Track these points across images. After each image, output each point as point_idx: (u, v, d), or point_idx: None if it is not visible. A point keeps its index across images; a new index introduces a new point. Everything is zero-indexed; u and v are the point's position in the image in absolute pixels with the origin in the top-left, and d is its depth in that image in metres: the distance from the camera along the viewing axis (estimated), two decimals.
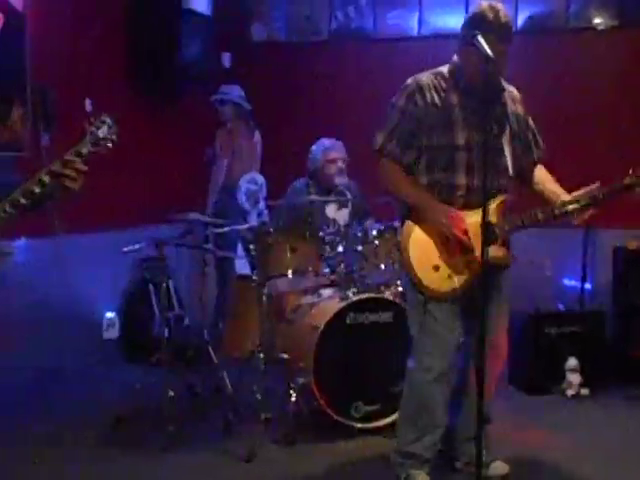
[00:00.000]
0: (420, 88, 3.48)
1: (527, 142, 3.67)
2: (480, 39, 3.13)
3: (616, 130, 6.29)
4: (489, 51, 3.08)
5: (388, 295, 4.74)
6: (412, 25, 6.83)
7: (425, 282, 3.49)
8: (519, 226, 3.51)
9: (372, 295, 4.67)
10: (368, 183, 5.55)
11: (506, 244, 3.57)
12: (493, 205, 3.47)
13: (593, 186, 3.46)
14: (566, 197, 3.51)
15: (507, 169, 3.52)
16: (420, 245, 3.50)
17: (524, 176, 3.69)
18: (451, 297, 3.49)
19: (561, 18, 6.47)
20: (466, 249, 3.45)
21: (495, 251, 3.43)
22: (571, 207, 3.46)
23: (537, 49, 6.41)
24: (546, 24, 6.50)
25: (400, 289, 4.88)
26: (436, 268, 3.47)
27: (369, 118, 6.53)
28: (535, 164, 3.71)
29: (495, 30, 3.33)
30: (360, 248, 4.73)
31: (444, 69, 3.56)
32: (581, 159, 6.14)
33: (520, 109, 3.65)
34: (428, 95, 3.47)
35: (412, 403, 3.64)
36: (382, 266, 4.75)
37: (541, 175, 3.72)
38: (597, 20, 6.39)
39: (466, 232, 3.43)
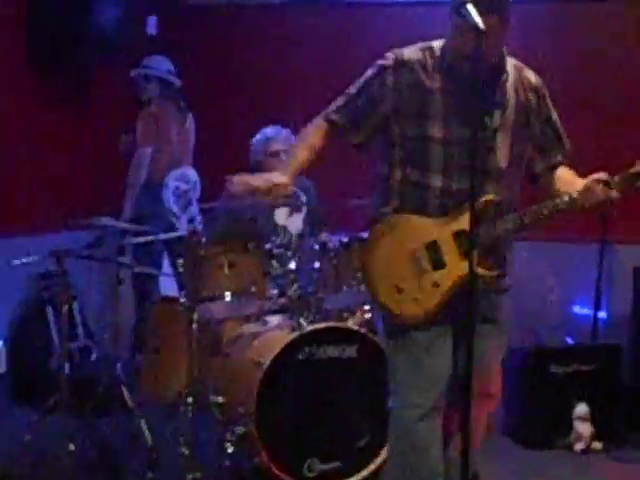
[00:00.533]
0: (397, 64, 3.50)
1: (545, 141, 3.65)
2: (469, 7, 3.13)
3: (626, 113, 6.39)
4: (480, 22, 3.08)
5: (352, 324, 4.74)
6: None
7: (387, 305, 3.52)
8: (517, 227, 3.48)
9: (332, 324, 4.67)
10: (328, 183, 5.59)
11: (494, 258, 3.54)
12: (468, 209, 3.33)
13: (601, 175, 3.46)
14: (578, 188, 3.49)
15: (499, 172, 3.50)
16: (384, 260, 3.52)
17: (539, 183, 3.69)
18: (415, 324, 3.50)
19: None
20: (439, 265, 3.46)
21: (480, 268, 3.41)
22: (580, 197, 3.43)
23: (537, 20, 6.48)
24: None
25: (368, 316, 4.89)
26: (400, 290, 3.49)
27: (331, 99, 6.70)
28: (555, 168, 3.68)
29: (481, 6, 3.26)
30: (317, 265, 4.74)
31: (436, 44, 3.55)
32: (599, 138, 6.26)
33: (534, 99, 3.61)
34: (406, 75, 3.48)
35: (400, 452, 3.62)
36: (345, 288, 4.76)
37: (561, 174, 3.69)
38: None
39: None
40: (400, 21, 6.69)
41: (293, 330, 4.62)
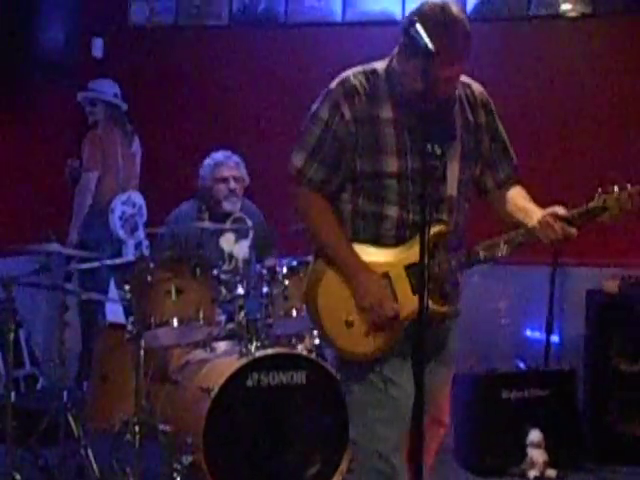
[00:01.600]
0: (348, 94, 3.38)
1: (494, 156, 3.63)
2: (419, 27, 3.09)
3: (586, 129, 6.50)
4: (429, 43, 3.04)
5: (301, 350, 4.77)
6: (335, 9, 6.95)
7: (336, 341, 3.45)
8: (473, 262, 3.45)
9: (281, 350, 4.69)
10: (275, 207, 5.62)
11: (449, 289, 3.51)
12: (420, 239, 3.19)
13: (556, 209, 3.47)
14: (534, 220, 3.43)
15: (451, 201, 3.48)
16: (332, 293, 3.43)
17: (488, 197, 3.67)
18: (364, 360, 3.44)
19: (521, 3, 6.67)
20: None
21: (431, 303, 3.35)
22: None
23: (490, 39, 6.58)
24: (502, 10, 6.69)
25: (317, 341, 4.92)
26: (349, 324, 3.40)
27: (279, 124, 6.78)
28: (503, 184, 3.66)
29: (451, 45, 3.26)
30: (265, 290, 4.76)
31: (380, 66, 3.47)
32: (547, 163, 6.33)
33: (484, 115, 3.60)
34: (358, 103, 3.38)
35: None
36: (294, 313, 4.79)
37: (514, 195, 3.66)
38: (565, 7, 6.62)
39: (397, 315, 3.38)
40: (345, 42, 6.78)
41: (241, 356, 4.63)
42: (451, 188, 3.48)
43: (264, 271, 4.79)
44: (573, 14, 6.64)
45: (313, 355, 4.74)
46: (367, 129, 3.38)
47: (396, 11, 6.74)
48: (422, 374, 3.04)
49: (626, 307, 5.83)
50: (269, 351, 4.64)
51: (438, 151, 3.45)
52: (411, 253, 3.32)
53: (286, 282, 4.78)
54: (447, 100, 3.47)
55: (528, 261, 5.97)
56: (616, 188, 3.38)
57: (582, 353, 5.99)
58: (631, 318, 5.78)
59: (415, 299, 3.15)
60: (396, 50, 3.42)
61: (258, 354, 4.61)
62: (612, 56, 6.58)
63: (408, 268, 3.38)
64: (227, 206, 5.33)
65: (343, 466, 4.68)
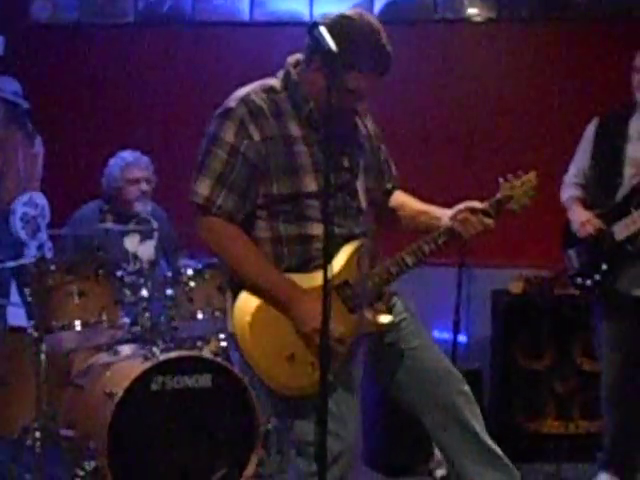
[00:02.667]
0: (253, 113, 3.25)
1: (379, 169, 3.61)
2: (323, 30, 3.02)
3: (492, 130, 6.60)
4: (332, 45, 2.99)
5: (207, 353, 4.75)
6: (242, 8, 6.93)
7: (278, 380, 3.28)
8: (405, 269, 3.43)
9: (186, 353, 4.65)
10: (180, 208, 5.58)
11: (378, 302, 3.46)
12: (344, 256, 3.35)
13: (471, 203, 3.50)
14: (444, 219, 3.46)
15: (362, 213, 3.45)
16: (265, 331, 3.26)
17: (379, 211, 3.64)
18: (309, 394, 3.22)
19: (428, 7, 6.74)
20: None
21: (376, 317, 3.37)
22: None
23: (397, 42, 6.60)
24: (409, 13, 6.75)
25: (223, 344, 4.91)
26: (290, 358, 3.25)
27: (185, 123, 6.74)
28: (389, 194, 3.68)
29: (375, 59, 3.24)
30: (170, 292, 4.73)
31: (274, 83, 3.36)
32: (453, 163, 6.40)
33: (372, 128, 3.59)
34: (265, 123, 3.25)
35: None
36: (199, 315, 4.80)
37: (399, 199, 3.68)
38: (471, 11, 6.71)
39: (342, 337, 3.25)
40: (252, 41, 6.78)
41: (146, 360, 4.58)
42: (363, 200, 3.46)
43: (169, 273, 4.77)
44: (478, 19, 6.74)
45: (219, 358, 4.70)
46: (279, 149, 3.26)
47: (304, 12, 6.76)
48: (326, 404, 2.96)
49: (530, 307, 5.92)
50: (174, 354, 4.60)
51: (348, 164, 3.41)
52: (336, 273, 3.23)
53: (191, 284, 4.77)
54: (351, 111, 3.41)
55: (434, 262, 6.02)
56: (513, 177, 3.49)
57: (488, 353, 6.07)
58: (535, 318, 5.88)
59: (352, 318, 3.23)
60: (298, 63, 3.34)
61: (162, 357, 4.57)
62: (516, 60, 6.71)
63: (337, 289, 3.28)
64: (138, 207, 5.29)
65: (250, 469, 4.67)
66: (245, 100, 3.26)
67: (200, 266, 4.80)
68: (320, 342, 2.95)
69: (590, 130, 5.01)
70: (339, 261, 3.31)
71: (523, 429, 5.85)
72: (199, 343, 4.86)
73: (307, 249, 3.31)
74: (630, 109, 4.90)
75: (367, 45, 3.22)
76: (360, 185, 3.43)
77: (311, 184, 3.27)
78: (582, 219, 4.81)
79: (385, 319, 3.39)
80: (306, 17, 6.67)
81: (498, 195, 3.47)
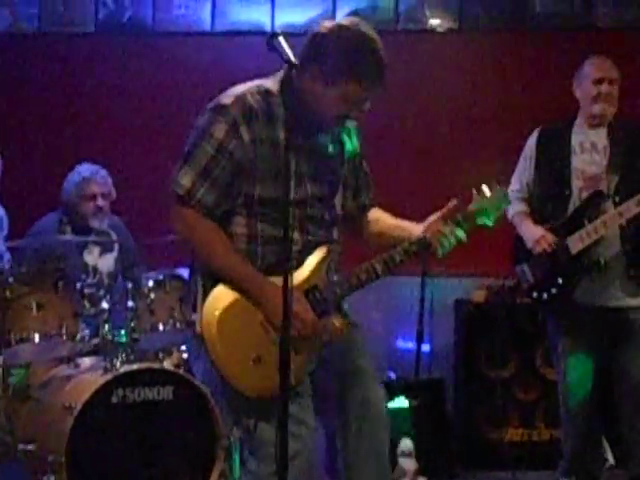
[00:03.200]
0: (246, 114, 3.25)
1: (358, 185, 3.62)
2: (281, 39, 3.05)
3: (454, 145, 6.62)
4: (291, 56, 3.02)
5: (168, 365, 4.74)
6: (204, 18, 6.92)
7: (241, 382, 3.26)
8: (374, 277, 3.40)
9: (147, 365, 4.62)
10: (140, 220, 5.57)
11: (341, 308, 3.47)
12: (314, 260, 3.36)
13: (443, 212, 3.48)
14: (416, 231, 3.46)
15: (338, 220, 3.49)
16: (235, 324, 3.25)
17: (354, 225, 3.66)
18: (273, 397, 3.16)
19: (389, 17, 6.76)
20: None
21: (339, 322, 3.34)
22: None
23: None
24: (371, 24, 6.74)
25: (185, 356, 4.88)
26: (257, 360, 3.24)
27: (146, 134, 6.71)
28: (366, 209, 3.67)
29: (374, 70, 3.25)
30: (131, 304, 4.70)
31: (271, 85, 3.36)
32: (415, 174, 6.42)
33: (357, 141, 3.59)
34: (256, 125, 3.26)
35: None
36: (161, 327, 4.77)
37: (375, 215, 3.68)
38: (433, 22, 6.74)
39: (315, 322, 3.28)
40: (214, 51, 6.78)
41: (106, 372, 4.53)
42: (339, 207, 3.49)
43: (129, 285, 4.73)
44: (440, 30, 6.77)
45: (180, 370, 4.69)
46: (266, 152, 3.26)
47: (265, 22, 6.76)
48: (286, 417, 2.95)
49: (493, 316, 5.94)
50: (134, 366, 4.56)
51: (331, 177, 3.44)
52: (306, 277, 3.29)
53: (152, 296, 4.75)
54: (341, 122, 3.42)
55: (399, 272, 6.03)
56: (486, 188, 3.49)
57: (451, 361, 6.08)
58: (498, 327, 5.89)
59: (320, 322, 3.23)
60: (300, 69, 3.27)
61: (123, 369, 4.53)
62: (478, 70, 6.74)
63: (307, 292, 3.30)
64: (94, 224, 5.25)
65: None
66: (240, 99, 3.26)
67: (161, 277, 4.78)
68: (281, 344, 2.93)
69: (531, 143, 5.04)
70: (309, 266, 3.33)
71: (486, 437, 5.87)
72: (160, 355, 4.86)
73: (283, 250, 3.23)
74: (572, 120, 4.94)
75: (366, 56, 3.23)
76: (338, 198, 3.47)
77: (294, 192, 3.28)
78: (536, 236, 4.82)
79: (347, 328, 3.37)
80: (267, 27, 6.68)
81: (470, 206, 3.47)
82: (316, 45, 3.25)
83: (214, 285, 3.28)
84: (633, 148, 4.78)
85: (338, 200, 3.48)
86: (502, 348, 5.92)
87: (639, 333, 4.73)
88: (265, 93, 3.31)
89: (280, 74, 3.39)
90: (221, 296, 3.26)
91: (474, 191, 3.48)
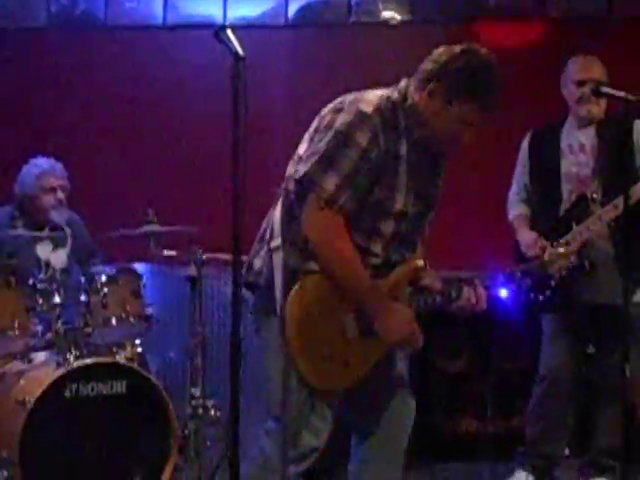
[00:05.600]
0: (385, 125, 3.33)
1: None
2: (229, 34, 3.04)
3: None
4: (240, 49, 3.02)
5: (121, 359, 4.73)
6: (155, 12, 6.92)
7: (310, 378, 3.36)
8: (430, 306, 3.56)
9: (100, 359, 4.63)
10: (94, 214, 5.57)
11: None
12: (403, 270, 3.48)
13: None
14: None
15: (417, 243, 3.57)
16: (316, 318, 3.35)
17: None
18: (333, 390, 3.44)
19: (342, 10, 6.79)
20: (367, 332, 3.39)
21: None
22: None
23: (311, 45, 6.67)
24: (323, 16, 6.79)
25: (139, 350, 4.90)
26: (328, 358, 3.35)
27: (98, 128, 6.70)
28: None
29: (491, 96, 3.39)
30: (84, 298, 4.70)
31: (395, 97, 3.43)
32: None
33: (444, 167, 3.64)
34: (389, 136, 3.34)
35: None
36: (114, 321, 4.75)
37: None
38: (386, 14, 6.77)
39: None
40: (166, 45, 6.80)
41: (59, 367, 4.54)
42: (427, 230, 3.59)
43: (82, 279, 4.73)
44: (393, 22, 6.80)
45: (134, 364, 4.69)
46: (389, 163, 3.34)
47: (217, 15, 6.76)
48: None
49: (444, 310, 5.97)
50: (87, 361, 4.57)
51: (431, 197, 3.52)
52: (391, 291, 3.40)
53: (105, 290, 4.72)
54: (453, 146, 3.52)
55: None
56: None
57: (406, 354, 6.10)
58: (451, 319, 5.91)
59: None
60: (418, 87, 3.41)
61: (76, 364, 4.53)
62: None
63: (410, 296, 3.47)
64: (55, 217, 5.20)
65: (166, 476, 4.66)
66: (380, 109, 3.33)
67: (114, 272, 4.77)
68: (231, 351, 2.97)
69: (524, 145, 5.08)
70: (389, 280, 3.42)
71: (440, 429, 5.90)
72: (114, 349, 4.84)
73: (364, 261, 3.37)
74: (562, 120, 4.98)
75: (489, 81, 3.36)
76: (429, 219, 3.56)
77: (399, 203, 3.37)
78: (528, 241, 4.86)
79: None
80: (219, 20, 6.67)
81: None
82: (443, 64, 3.35)
83: (297, 274, 3.34)
84: (619, 148, 4.74)
85: (427, 223, 3.57)
86: (456, 340, 5.96)
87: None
88: (393, 105, 3.39)
89: (401, 86, 3.47)
90: (311, 286, 3.34)
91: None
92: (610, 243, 4.75)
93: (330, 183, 3.26)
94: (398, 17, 6.83)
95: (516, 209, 5.08)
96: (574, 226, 4.72)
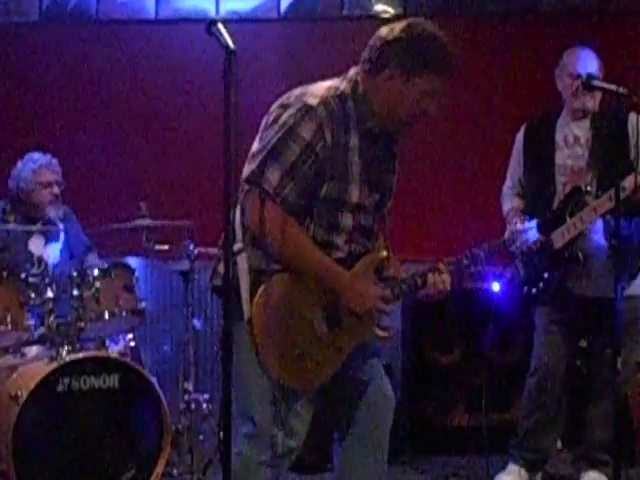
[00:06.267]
0: (330, 117, 3.31)
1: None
2: (221, 27, 3.02)
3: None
4: (230, 42, 2.99)
5: (114, 353, 4.75)
6: (147, 5, 6.90)
7: (284, 378, 3.34)
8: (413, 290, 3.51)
9: (92, 353, 4.65)
10: (87, 208, 5.56)
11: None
12: (366, 262, 3.44)
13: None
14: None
15: (376, 232, 3.55)
16: (285, 318, 3.32)
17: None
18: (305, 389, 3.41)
19: (334, 3, 6.79)
20: (336, 325, 3.37)
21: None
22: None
23: (304, 39, 6.67)
24: (316, 9, 6.79)
25: (132, 344, 4.91)
26: (300, 357, 3.33)
27: (92, 122, 6.69)
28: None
29: (445, 58, 3.39)
30: (76, 293, 4.70)
31: (344, 88, 3.39)
32: None
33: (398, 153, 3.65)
34: (336, 128, 3.32)
35: None
36: (106, 315, 4.76)
37: None
38: (379, 8, 6.77)
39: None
40: (158, 38, 6.77)
41: (51, 361, 4.56)
42: (388, 219, 3.57)
43: (74, 273, 4.72)
44: (386, 15, 6.80)
45: (127, 358, 4.70)
46: (339, 156, 3.32)
47: (210, 9, 6.75)
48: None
49: (439, 301, 5.96)
50: (80, 355, 4.59)
51: (388, 187, 3.53)
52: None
53: (97, 284, 4.72)
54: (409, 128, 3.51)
55: None
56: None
57: (399, 347, 6.11)
58: (444, 312, 5.94)
59: (361, 323, 3.33)
60: (371, 74, 3.37)
61: (69, 358, 4.55)
62: None
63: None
64: (51, 212, 5.21)
65: (159, 470, 4.67)
66: (325, 102, 3.30)
67: (106, 266, 4.77)
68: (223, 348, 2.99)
69: (519, 138, 5.08)
70: (361, 266, 3.40)
71: (433, 423, 5.92)
72: (107, 343, 4.85)
73: (327, 254, 3.37)
74: (557, 113, 4.97)
75: (440, 49, 3.35)
76: (388, 207, 3.55)
77: (354, 195, 3.37)
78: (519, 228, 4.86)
79: (382, 333, 3.49)
80: (212, 13, 6.65)
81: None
82: (392, 46, 3.33)
83: (262, 276, 3.31)
84: (614, 141, 4.73)
85: (386, 211, 3.56)
86: (449, 334, 5.97)
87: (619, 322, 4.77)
88: (341, 97, 3.36)
89: (351, 75, 3.44)
90: (277, 287, 3.31)
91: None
92: (602, 235, 4.76)
93: (274, 176, 3.27)
94: (391, 10, 6.82)
95: (511, 202, 5.08)
96: (568, 218, 4.73)
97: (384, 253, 3.47)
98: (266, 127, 3.39)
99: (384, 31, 3.38)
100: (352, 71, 3.44)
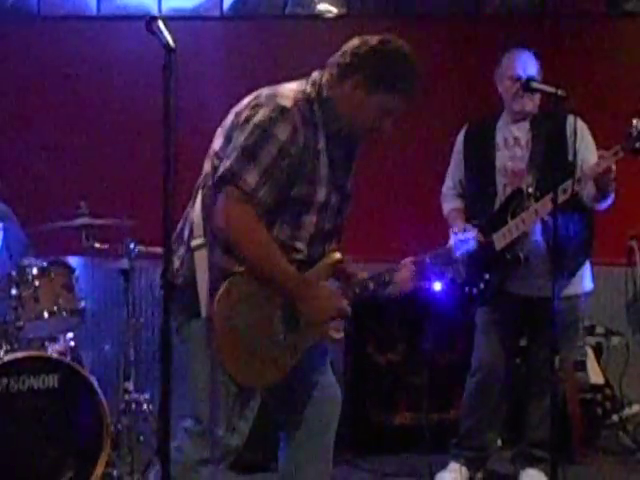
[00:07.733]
0: (303, 120, 3.34)
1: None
2: (161, 24, 3.00)
3: None
4: (171, 41, 2.98)
5: (53, 352, 4.72)
6: (89, 2, 6.87)
7: (239, 377, 3.37)
8: (365, 292, 3.56)
9: (31, 353, 4.63)
10: (26, 206, 5.53)
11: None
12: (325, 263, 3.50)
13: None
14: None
15: (333, 234, 3.58)
16: (244, 318, 3.36)
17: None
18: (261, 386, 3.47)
19: (277, 2, 6.81)
20: (293, 326, 3.41)
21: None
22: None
23: (246, 38, 6.68)
24: (259, 8, 6.80)
25: (72, 343, 4.89)
26: (257, 356, 3.37)
27: (35, 119, 6.63)
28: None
29: (411, 82, 3.43)
30: (15, 292, 4.69)
31: (309, 90, 3.43)
32: None
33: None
34: (307, 131, 3.36)
35: None
36: (45, 315, 4.74)
37: None
38: (322, 7, 6.80)
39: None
40: (100, 35, 6.73)
41: None
42: (344, 222, 3.61)
43: (13, 272, 4.70)
44: (329, 15, 6.83)
45: (66, 358, 4.68)
46: (308, 158, 3.35)
47: (152, 6, 6.73)
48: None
49: (381, 300, 6.00)
50: (19, 355, 4.57)
51: (348, 189, 3.55)
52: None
53: (36, 283, 4.71)
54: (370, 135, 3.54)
55: None
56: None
57: (340, 346, 6.13)
58: (386, 311, 5.98)
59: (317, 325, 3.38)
60: (337, 80, 3.39)
61: (7, 358, 4.53)
62: None
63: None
64: None
65: (99, 470, 4.66)
66: (298, 105, 3.33)
67: (45, 265, 4.75)
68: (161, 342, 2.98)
69: (460, 140, 5.12)
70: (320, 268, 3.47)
71: (375, 422, 5.95)
72: (46, 343, 4.82)
73: (288, 257, 3.39)
74: (497, 115, 5.02)
75: (408, 71, 3.39)
76: (347, 210, 3.58)
77: (321, 196, 3.40)
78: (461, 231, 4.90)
79: (339, 335, 3.55)
80: (154, 11, 6.63)
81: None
82: (364, 57, 3.35)
83: (224, 273, 3.33)
84: (553, 142, 4.77)
85: (345, 215, 3.59)
86: (391, 333, 6.01)
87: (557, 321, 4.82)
88: (308, 100, 3.39)
89: (314, 78, 3.46)
90: (238, 286, 3.33)
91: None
92: (541, 236, 4.82)
93: (251, 177, 3.26)
94: (334, 10, 6.84)
95: (451, 203, 5.13)
96: (509, 220, 4.77)
97: (337, 255, 3.51)
98: (236, 127, 3.38)
99: (358, 41, 3.40)
100: (315, 74, 3.47)
